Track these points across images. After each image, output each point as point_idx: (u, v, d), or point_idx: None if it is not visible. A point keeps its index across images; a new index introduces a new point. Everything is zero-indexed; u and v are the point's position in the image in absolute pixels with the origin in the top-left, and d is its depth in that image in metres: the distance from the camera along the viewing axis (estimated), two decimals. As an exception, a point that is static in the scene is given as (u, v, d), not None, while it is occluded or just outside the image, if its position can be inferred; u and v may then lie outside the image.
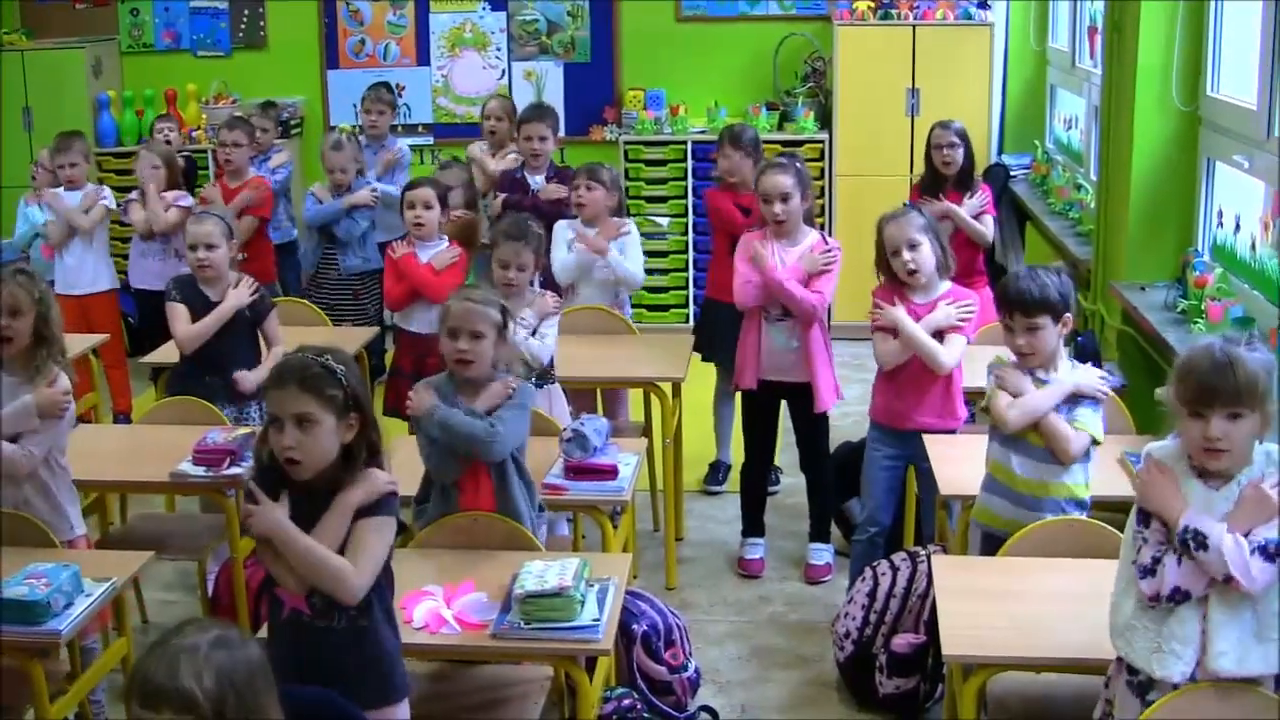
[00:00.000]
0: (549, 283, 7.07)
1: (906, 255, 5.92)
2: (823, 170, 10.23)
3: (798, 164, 6.67)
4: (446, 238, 7.29)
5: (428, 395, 4.94)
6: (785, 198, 6.49)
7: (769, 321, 6.58)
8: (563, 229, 7.37)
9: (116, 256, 9.17)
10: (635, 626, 5.45)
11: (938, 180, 7.80)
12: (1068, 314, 5.01)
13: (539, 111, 8.57)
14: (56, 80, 11.28)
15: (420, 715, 4.25)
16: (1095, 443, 4.99)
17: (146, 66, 11.71)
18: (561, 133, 10.45)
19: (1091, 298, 7.62)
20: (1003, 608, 4.42)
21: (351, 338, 7.52)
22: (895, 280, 6.01)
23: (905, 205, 6.21)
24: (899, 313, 5.87)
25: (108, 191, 8.88)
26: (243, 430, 5.91)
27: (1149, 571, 3.68)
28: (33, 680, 4.54)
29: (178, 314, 6.62)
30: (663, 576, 6.76)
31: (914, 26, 10.13)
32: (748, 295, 6.57)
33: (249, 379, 6.50)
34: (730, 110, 10.60)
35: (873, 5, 10.25)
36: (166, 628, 6.16)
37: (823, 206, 10.09)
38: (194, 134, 10.84)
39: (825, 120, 10.45)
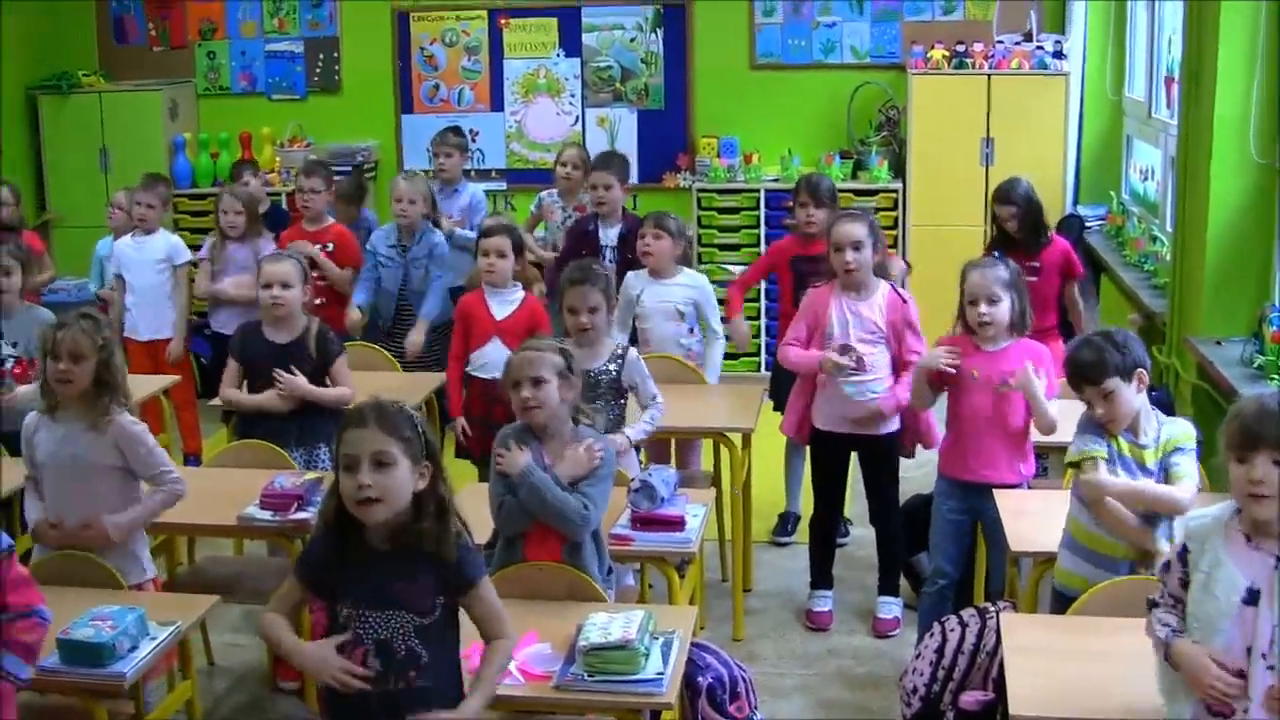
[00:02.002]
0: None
1: (984, 308, 5.90)
2: (896, 220, 10.20)
3: (870, 216, 6.65)
4: (520, 285, 7.29)
5: (522, 454, 4.92)
6: (857, 246, 6.45)
7: (840, 375, 6.53)
8: (631, 281, 7.36)
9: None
10: (700, 679, 5.40)
11: (1008, 241, 7.71)
12: (1140, 369, 4.94)
13: (605, 159, 8.57)
14: (133, 122, 11.43)
15: (483, 767, 4.23)
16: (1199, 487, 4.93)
17: (222, 109, 11.83)
18: (634, 180, 10.54)
19: (1166, 352, 7.53)
20: (1073, 667, 4.36)
21: (422, 384, 7.54)
22: (968, 328, 6.00)
23: (994, 255, 6.15)
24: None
25: (180, 243, 8.97)
26: (310, 475, 5.92)
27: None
28: (97, 723, 4.56)
29: (229, 373, 6.73)
30: (730, 627, 6.72)
31: (989, 76, 10.11)
32: (787, 356, 6.65)
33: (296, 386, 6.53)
34: (804, 159, 10.59)
35: (947, 55, 10.24)
36: (233, 671, 6.25)
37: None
38: (268, 177, 10.89)
39: (899, 169, 10.43)
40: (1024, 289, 6.03)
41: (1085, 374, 4.93)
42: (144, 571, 5.36)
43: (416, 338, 8.27)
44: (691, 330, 7.41)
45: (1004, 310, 5.87)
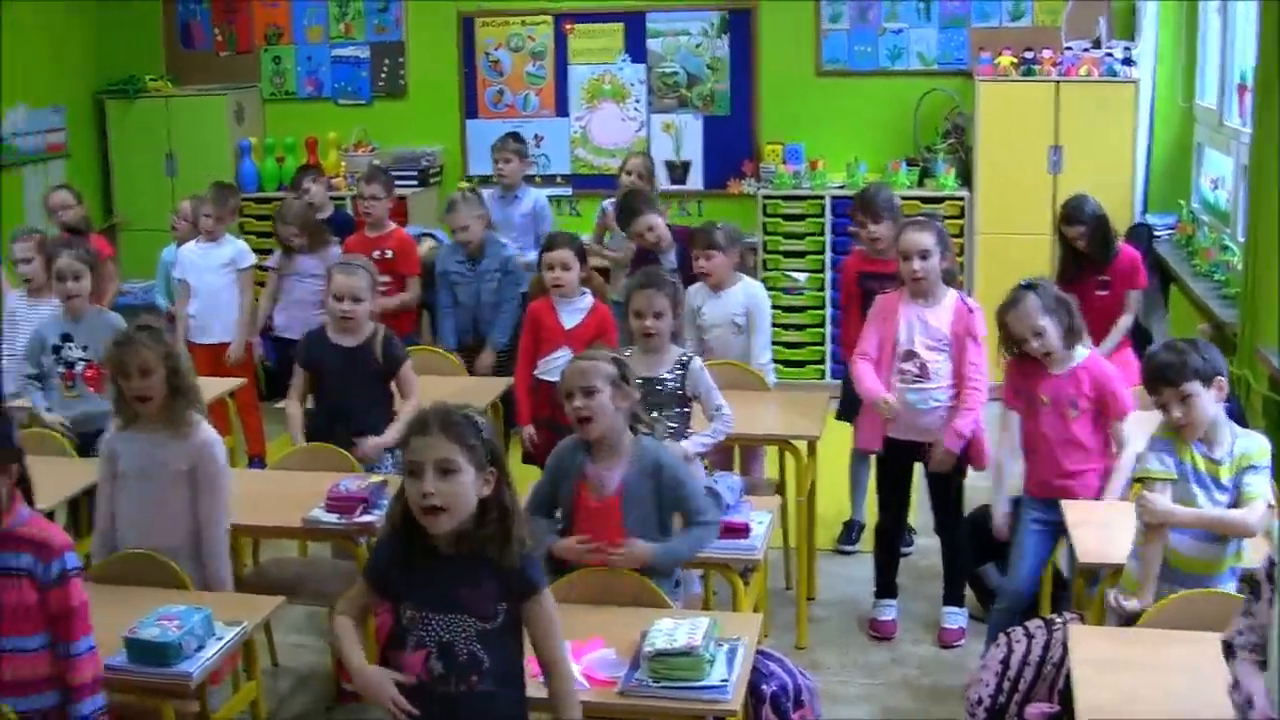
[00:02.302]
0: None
1: (1035, 343, 5.92)
2: (963, 228, 10.13)
3: (938, 224, 6.60)
4: (588, 292, 7.28)
5: (643, 549, 4.93)
6: (924, 255, 6.42)
7: (904, 382, 6.51)
8: (692, 293, 7.33)
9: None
10: (764, 686, 5.37)
11: (1077, 258, 7.66)
12: (1219, 377, 4.90)
13: (646, 204, 8.46)
14: (199, 126, 11.49)
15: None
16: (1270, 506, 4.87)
17: (288, 114, 11.88)
18: (698, 186, 10.54)
19: (1237, 362, 7.44)
20: (1140, 679, 4.32)
21: (487, 389, 7.54)
22: (1029, 357, 5.99)
23: (1021, 285, 6.07)
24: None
25: (244, 247, 9.02)
26: (375, 478, 5.94)
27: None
28: (162, 722, 4.57)
29: (296, 380, 6.81)
30: (793, 635, 6.70)
31: (1057, 83, 10.01)
32: (857, 374, 6.64)
33: (370, 446, 6.56)
34: (870, 165, 10.54)
35: (1015, 61, 10.16)
36: (297, 672, 6.26)
37: (963, 264, 9.98)
38: (333, 182, 10.90)
39: (966, 177, 10.36)
40: (1065, 302, 6.01)
41: (1165, 375, 4.89)
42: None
43: (487, 360, 8.33)
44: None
45: (1053, 335, 5.92)
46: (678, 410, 6.30)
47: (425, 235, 10.00)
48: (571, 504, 5.05)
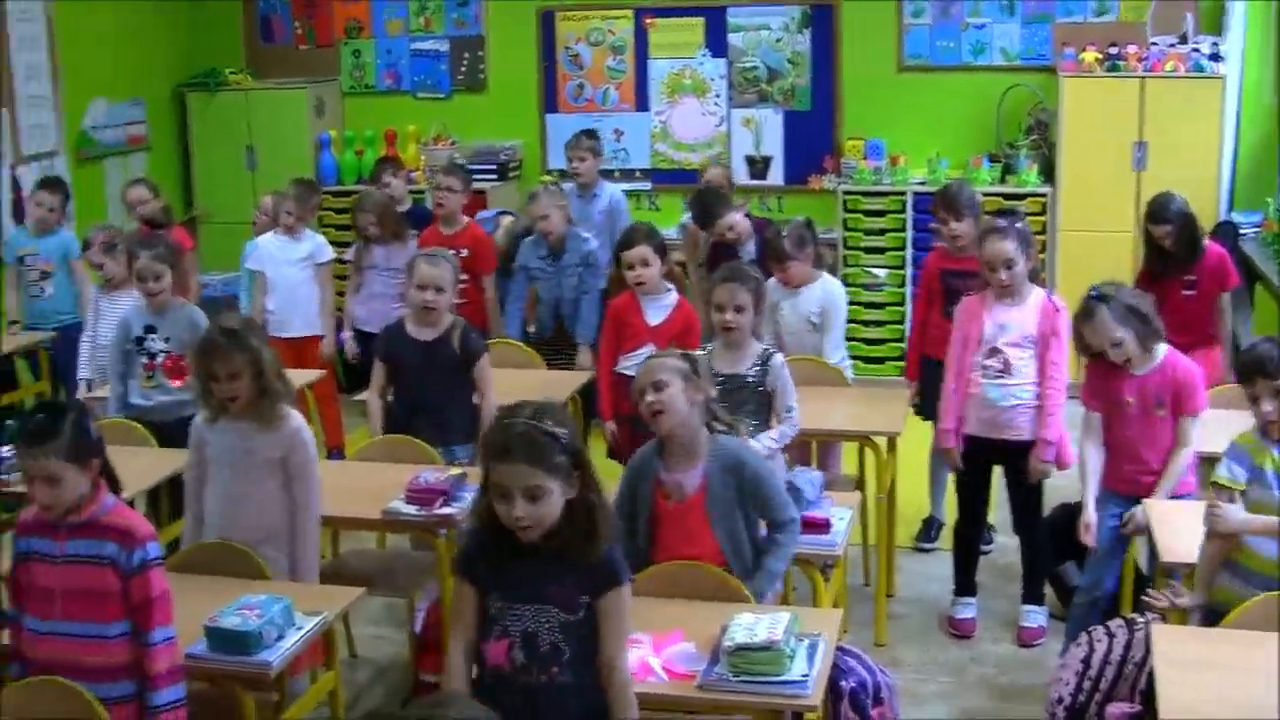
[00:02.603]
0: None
1: (1113, 353, 5.90)
2: (1045, 225, 10.05)
3: (1017, 224, 6.53)
4: (672, 288, 7.26)
5: (749, 594, 4.90)
6: (1009, 264, 6.39)
7: (987, 378, 6.47)
8: (770, 288, 7.28)
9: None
10: (843, 683, 5.34)
11: (1163, 256, 7.58)
12: (1313, 376, 4.86)
13: (724, 204, 8.45)
14: (279, 120, 11.57)
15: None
16: None
17: (367, 107, 11.93)
18: (779, 181, 10.52)
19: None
20: (1224, 680, 4.29)
21: (565, 382, 7.54)
22: (1108, 362, 5.96)
23: (1092, 296, 6.04)
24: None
25: (323, 241, 9.06)
26: (455, 470, 5.94)
27: None
28: (242, 711, 4.60)
29: (377, 373, 6.84)
30: (872, 632, 6.67)
31: (1142, 79, 9.91)
32: (953, 352, 6.61)
33: None
34: (951, 161, 10.48)
35: (1100, 57, 10.07)
36: (375, 663, 6.29)
37: (1044, 262, 9.89)
38: (412, 175, 10.93)
39: (1049, 173, 10.27)
40: (1138, 306, 5.95)
41: (1262, 366, 4.88)
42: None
43: (585, 359, 8.33)
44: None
45: (1131, 343, 5.87)
46: (759, 407, 6.27)
47: (503, 214, 9.96)
48: (650, 509, 5.02)
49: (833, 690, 5.21)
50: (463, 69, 11.76)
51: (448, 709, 2.75)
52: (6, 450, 6.17)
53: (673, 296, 7.22)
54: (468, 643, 4.00)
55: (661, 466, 5.00)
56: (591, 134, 9.92)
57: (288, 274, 8.88)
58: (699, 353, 6.12)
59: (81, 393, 7.81)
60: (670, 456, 5.00)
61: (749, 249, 8.13)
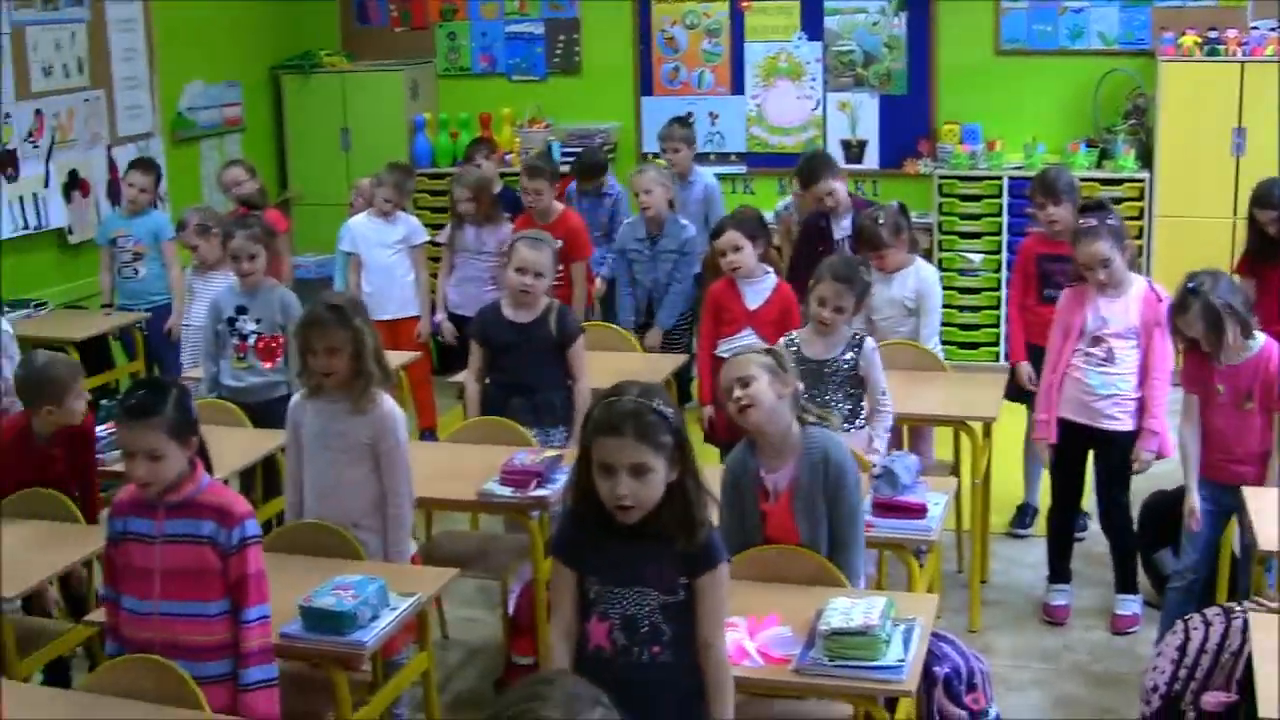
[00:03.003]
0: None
1: (1205, 347, 5.86)
2: (1142, 210, 9.97)
3: (1108, 219, 6.47)
4: (770, 271, 7.26)
5: None
6: (1105, 263, 6.35)
7: (1090, 365, 6.43)
8: None
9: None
10: (937, 669, 5.33)
11: (1266, 243, 7.47)
12: None
13: (829, 169, 8.37)
14: (374, 102, 11.63)
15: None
16: None
17: (462, 90, 11.97)
18: (874, 165, 10.48)
19: None
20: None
21: (661, 365, 7.54)
22: (1193, 345, 5.95)
23: (1188, 288, 5.96)
24: None
25: (417, 224, 9.10)
26: (550, 452, 5.96)
27: None
28: (336, 690, 4.64)
29: (474, 357, 6.82)
30: (965, 619, 6.66)
31: (1242, 64, 9.81)
32: (1053, 343, 6.59)
33: None
34: (1048, 146, 10.42)
35: (1199, 41, 9.97)
36: (468, 644, 6.31)
37: (1142, 248, 9.81)
38: (508, 158, 10.96)
39: (1146, 159, 10.19)
40: (1231, 300, 5.87)
41: None
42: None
43: (654, 339, 8.39)
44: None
45: (1226, 338, 5.79)
46: (851, 391, 6.27)
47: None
48: (754, 508, 4.99)
49: (926, 676, 5.20)
50: (558, 52, 11.78)
51: (553, 686, 2.75)
52: (104, 429, 6.25)
53: (771, 280, 7.20)
54: (566, 625, 4.01)
55: (761, 466, 4.98)
56: (685, 122, 9.92)
57: (382, 256, 8.92)
58: (787, 337, 6.16)
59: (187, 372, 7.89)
60: (764, 455, 4.97)
61: (844, 224, 8.08)
